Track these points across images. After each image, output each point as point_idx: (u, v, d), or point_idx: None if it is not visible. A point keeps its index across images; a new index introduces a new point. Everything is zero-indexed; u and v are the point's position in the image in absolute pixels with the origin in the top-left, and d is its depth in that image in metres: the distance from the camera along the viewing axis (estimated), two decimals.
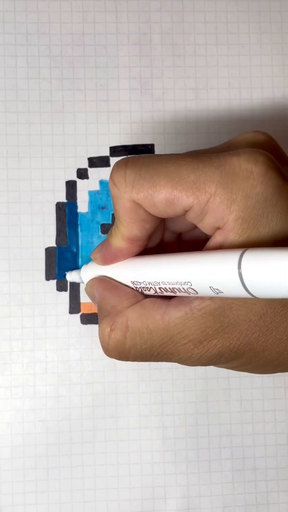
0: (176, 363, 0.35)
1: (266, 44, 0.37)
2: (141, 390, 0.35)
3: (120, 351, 0.26)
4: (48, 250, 0.35)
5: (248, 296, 0.21)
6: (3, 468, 0.34)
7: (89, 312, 0.35)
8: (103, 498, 0.34)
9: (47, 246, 0.35)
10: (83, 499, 0.34)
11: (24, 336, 0.35)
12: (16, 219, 0.35)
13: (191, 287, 0.24)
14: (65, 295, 0.35)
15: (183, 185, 0.24)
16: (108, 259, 0.28)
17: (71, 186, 0.35)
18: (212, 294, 0.23)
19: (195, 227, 0.28)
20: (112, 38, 0.36)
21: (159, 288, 0.26)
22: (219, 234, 0.24)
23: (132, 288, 0.28)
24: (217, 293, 0.23)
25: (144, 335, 0.25)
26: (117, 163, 0.25)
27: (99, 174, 0.36)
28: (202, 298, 0.24)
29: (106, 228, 0.35)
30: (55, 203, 0.35)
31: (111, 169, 0.25)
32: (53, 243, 0.35)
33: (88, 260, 0.35)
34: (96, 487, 0.34)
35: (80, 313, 0.35)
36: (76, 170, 0.35)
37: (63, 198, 0.35)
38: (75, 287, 0.35)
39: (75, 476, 0.34)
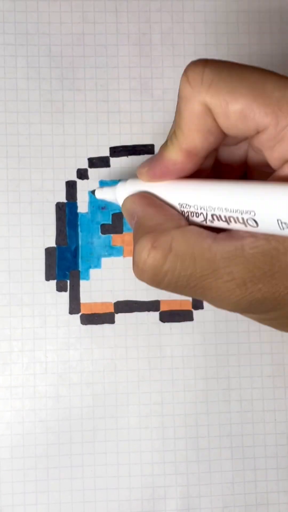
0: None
1: (266, 44, 0.37)
2: (141, 390, 0.35)
3: (155, 273, 0.24)
4: (48, 250, 0.35)
5: None
6: (3, 468, 0.34)
7: (89, 312, 0.35)
8: (103, 498, 0.34)
9: (47, 246, 0.35)
10: (83, 499, 0.34)
11: (24, 336, 0.35)
12: (16, 219, 0.35)
13: (253, 217, 0.22)
14: (65, 296, 0.35)
15: (265, 99, 0.21)
16: (158, 174, 0.25)
17: (71, 186, 0.35)
18: (275, 229, 0.21)
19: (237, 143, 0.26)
20: (112, 38, 0.36)
21: (212, 215, 0.23)
22: (287, 168, 0.22)
23: (179, 211, 0.25)
24: (283, 229, 0.21)
25: (186, 261, 0.23)
26: (194, 61, 0.22)
27: (99, 175, 0.36)
28: (256, 237, 0.22)
29: (106, 229, 0.35)
30: (55, 203, 0.35)
31: (184, 69, 0.23)
32: (53, 243, 0.35)
33: (87, 259, 0.35)
34: (96, 487, 0.34)
35: (80, 314, 0.35)
36: (76, 170, 0.35)
37: (63, 198, 0.35)
38: (75, 287, 0.35)
39: (75, 476, 0.34)
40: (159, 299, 0.35)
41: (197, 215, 0.24)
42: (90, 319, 0.35)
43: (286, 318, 0.24)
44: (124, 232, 0.35)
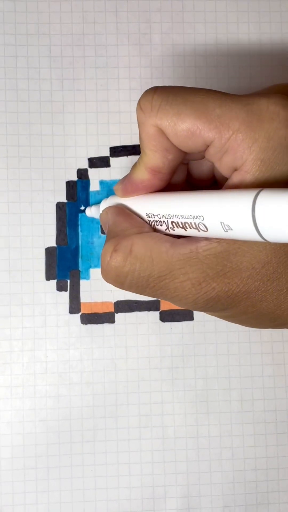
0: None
1: (266, 44, 0.37)
2: (141, 389, 0.35)
3: (117, 274, 0.26)
4: (48, 250, 0.35)
5: (258, 237, 0.21)
6: (4, 467, 0.34)
7: (89, 312, 0.35)
8: (103, 497, 0.34)
9: (47, 246, 0.35)
10: (83, 498, 0.34)
11: (25, 336, 0.35)
12: (17, 219, 0.35)
13: (202, 222, 0.24)
14: (65, 295, 0.35)
15: (207, 117, 0.23)
16: (129, 191, 0.28)
17: (71, 187, 0.35)
18: (221, 232, 0.23)
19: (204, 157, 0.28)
20: (112, 38, 0.36)
21: (171, 223, 0.26)
22: (235, 176, 0.24)
23: (146, 221, 0.28)
24: (227, 230, 0.23)
25: (144, 262, 0.25)
26: (146, 90, 0.25)
27: (99, 175, 0.36)
28: (209, 240, 0.25)
29: None
30: (55, 203, 0.35)
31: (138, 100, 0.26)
32: (53, 243, 0.35)
33: (87, 259, 0.35)
34: (96, 486, 0.34)
35: (80, 313, 0.35)
36: (76, 170, 0.36)
37: (63, 198, 0.35)
38: (75, 287, 0.35)
39: (75, 475, 0.34)
40: (159, 298, 0.35)
41: (161, 223, 0.27)
42: (90, 318, 0.35)
43: (243, 314, 0.26)
44: None
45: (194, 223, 0.24)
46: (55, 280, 0.35)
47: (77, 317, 0.35)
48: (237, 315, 0.27)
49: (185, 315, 0.35)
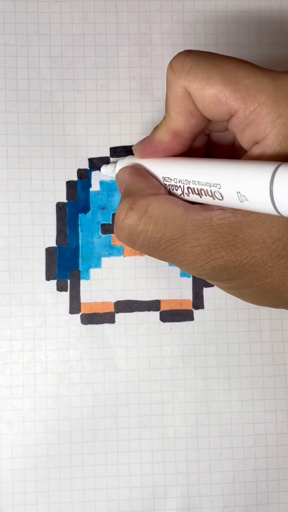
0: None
1: (266, 44, 0.37)
2: (141, 390, 0.35)
3: (131, 232, 0.26)
4: (49, 250, 0.35)
5: (272, 210, 0.21)
6: (4, 467, 0.34)
7: (90, 312, 0.35)
8: (103, 498, 0.34)
9: (47, 246, 0.35)
10: (83, 499, 0.34)
11: (25, 336, 0.35)
12: (17, 219, 0.35)
13: (218, 190, 0.24)
14: (65, 295, 0.35)
15: (235, 86, 0.24)
16: (148, 152, 0.28)
17: (71, 187, 0.36)
18: (236, 202, 0.23)
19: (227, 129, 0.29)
20: (112, 39, 0.36)
21: (187, 188, 0.26)
22: (256, 149, 0.24)
23: (162, 184, 0.28)
24: (242, 201, 0.23)
25: (158, 224, 0.26)
26: (179, 52, 0.26)
27: (99, 175, 0.36)
28: (224, 210, 0.25)
29: (106, 228, 0.35)
30: (56, 203, 0.35)
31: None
32: (53, 243, 0.35)
33: (88, 259, 0.35)
34: (96, 486, 0.34)
35: (80, 313, 0.35)
36: (76, 170, 0.36)
37: (63, 198, 0.35)
38: (75, 287, 0.35)
39: (75, 476, 0.34)
40: (159, 298, 0.35)
41: (176, 188, 0.27)
42: (90, 318, 0.35)
43: (247, 287, 0.27)
44: None
45: (210, 190, 0.24)
46: (55, 280, 0.35)
47: (77, 317, 0.35)
48: (241, 287, 0.27)
49: (186, 315, 0.35)
